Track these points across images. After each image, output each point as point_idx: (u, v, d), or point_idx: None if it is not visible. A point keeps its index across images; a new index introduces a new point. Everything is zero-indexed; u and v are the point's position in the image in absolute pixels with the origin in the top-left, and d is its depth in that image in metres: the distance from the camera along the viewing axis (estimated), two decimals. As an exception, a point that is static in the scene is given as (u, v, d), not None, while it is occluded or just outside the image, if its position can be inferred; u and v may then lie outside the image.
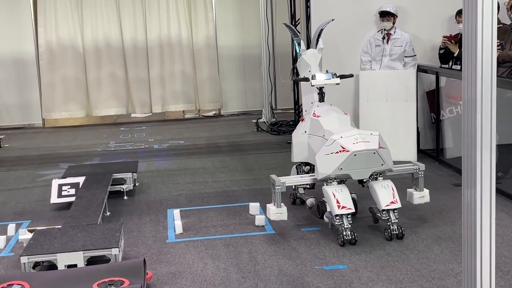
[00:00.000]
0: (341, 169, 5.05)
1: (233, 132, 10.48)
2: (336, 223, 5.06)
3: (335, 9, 7.87)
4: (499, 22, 6.69)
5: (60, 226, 5.05)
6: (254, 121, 10.62)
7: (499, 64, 6.65)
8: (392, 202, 5.10)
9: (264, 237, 5.26)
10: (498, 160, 5.86)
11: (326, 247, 4.96)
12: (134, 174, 6.80)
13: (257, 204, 5.88)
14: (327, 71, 5.89)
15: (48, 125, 11.72)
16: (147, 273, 4.25)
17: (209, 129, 10.89)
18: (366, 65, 7.92)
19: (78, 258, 4.40)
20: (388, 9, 7.70)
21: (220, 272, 4.59)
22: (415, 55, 7.79)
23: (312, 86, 5.79)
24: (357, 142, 5.07)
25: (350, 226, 5.02)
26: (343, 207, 5.01)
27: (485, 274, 3.54)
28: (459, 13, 7.24)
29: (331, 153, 5.08)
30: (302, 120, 5.90)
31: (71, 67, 11.34)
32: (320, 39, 6.09)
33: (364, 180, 5.29)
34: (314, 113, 5.69)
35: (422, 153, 7.85)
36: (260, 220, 5.55)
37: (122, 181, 6.65)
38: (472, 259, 3.56)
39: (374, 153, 5.08)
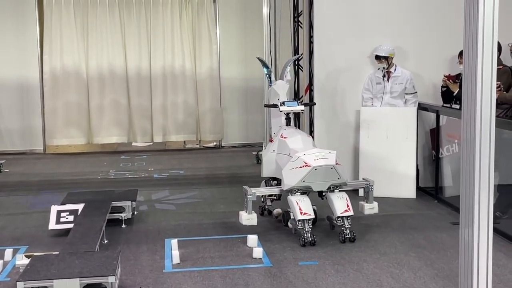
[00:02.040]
0: (303, 181, 5.90)
1: (233, 164, 10.51)
2: (298, 227, 5.86)
3: (338, 45, 7.99)
4: (500, 63, 6.78)
5: (57, 253, 5.06)
6: (255, 153, 10.66)
7: (497, 105, 6.72)
8: (346, 210, 5.97)
9: (261, 270, 5.25)
10: (497, 200, 5.91)
11: (323, 282, 4.96)
12: (133, 202, 6.82)
13: (255, 236, 5.89)
14: (293, 99, 6.87)
15: (49, 152, 11.76)
16: (143, 303, 4.24)
17: (210, 160, 10.94)
18: (367, 102, 7.98)
19: (74, 285, 4.40)
20: (378, 53, 7.75)
21: (216, 303, 4.58)
22: (416, 92, 7.86)
23: (280, 111, 6.67)
24: (317, 159, 5.91)
25: (310, 229, 5.85)
26: (305, 213, 5.86)
27: (481, 314, 3.55)
28: (461, 53, 7.32)
29: (296, 168, 5.94)
30: (271, 141, 6.73)
31: (75, 94, 11.42)
32: (288, 72, 7.00)
33: (323, 193, 6.14)
34: (281, 135, 6.55)
35: (421, 191, 7.87)
36: (257, 252, 5.55)
37: (121, 209, 6.66)
38: (469, 298, 3.57)
39: (332, 168, 5.92)
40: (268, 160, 6.58)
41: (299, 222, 5.86)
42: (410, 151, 7.69)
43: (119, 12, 11.53)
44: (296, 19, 9.25)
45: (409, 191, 7.68)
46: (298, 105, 6.70)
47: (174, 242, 5.72)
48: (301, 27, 9.13)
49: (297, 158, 5.95)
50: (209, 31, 11.85)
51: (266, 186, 6.77)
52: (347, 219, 5.96)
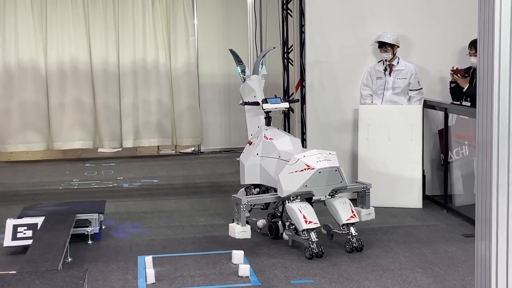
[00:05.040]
0: (305, 186, 5.99)
1: (214, 172, 10.49)
2: (303, 237, 5.94)
3: (332, 35, 8.02)
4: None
5: (15, 272, 5.00)
6: (238, 159, 10.62)
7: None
8: (352, 217, 6.15)
9: (248, 290, 5.25)
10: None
11: (319, 303, 4.96)
12: (101, 215, 6.78)
13: (241, 252, 5.87)
14: (275, 96, 6.99)
15: (2, 159, 11.66)
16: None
17: (187, 167, 10.92)
18: (366, 100, 8.00)
19: (34, 308, 4.35)
20: (384, 40, 7.81)
21: (197, 328, 4.56)
22: (421, 88, 7.90)
23: (263, 110, 6.76)
24: (320, 161, 6.04)
25: (317, 240, 5.90)
26: (310, 222, 5.93)
27: (501, 335, 3.55)
28: (472, 44, 7.37)
29: (295, 171, 6.01)
30: (250, 144, 6.84)
31: (32, 93, 11.29)
32: (263, 66, 7.09)
33: (312, 200, 6.31)
34: (265, 136, 6.67)
35: (428, 200, 7.92)
36: (244, 270, 5.54)
37: (86, 223, 6.62)
38: (486, 318, 3.57)
39: (336, 170, 6.09)
40: (251, 165, 6.67)
41: (304, 232, 5.93)
42: (416, 155, 7.72)
43: (83, -1, 11.48)
44: (285, 7, 9.26)
45: (414, 200, 7.70)
46: (282, 102, 6.83)
47: (149, 259, 5.69)
48: (290, 15, 9.15)
49: (296, 160, 6.04)
50: (185, 20, 11.83)
51: (246, 194, 6.81)
52: (353, 227, 6.11)
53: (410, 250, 6.16)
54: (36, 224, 6.31)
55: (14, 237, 6.21)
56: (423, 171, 7.86)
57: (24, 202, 7.90)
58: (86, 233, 6.56)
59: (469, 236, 6.32)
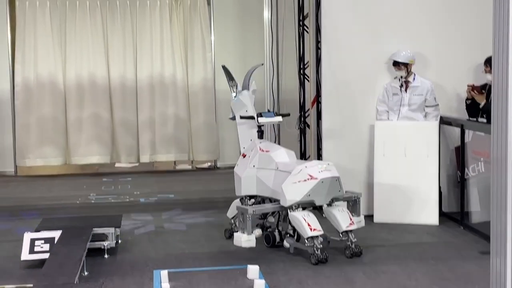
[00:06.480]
0: (309, 195, 6.20)
1: (230, 187, 10.31)
2: (307, 244, 6.17)
3: (348, 51, 8.03)
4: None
5: (31, 285, 5.04)
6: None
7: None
8: (351, 224, 6.39)
9: (263, 306, 5.25)
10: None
11: (334, 319, 4.95)
12: (117, 229, 6.81)
13: (257, 267, 5.86)
14: (268, 110, 7.22)
15: (21, 173, 11.74)
16: None
17: (203, 182, 10.95)
18: (382, 116, 8.00)
19: (51, 322, 4.38)
20: (398, 59, 7.83)
21: None
22: (438, 104, 7.90)
23: (258, 124, 6.98)
24: (321, 171, 6.31)
25: (321, 246, 6.13)
26: (314, 229, 6.15)
27: None
28: (487, 61, 7.36)
29: (299, 181, 6.27)
30: (244, 156, 7.00)
31: (50, 108, 11.37)
32: (253, 82, 7.25)
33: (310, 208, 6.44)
34: (260, 148, 6.86)
35: (445, 217, 7.87)
36: (259, 285, 5.53)
37: (103, 237, 6.64)
38: (502, 336, 3.55)
39: (336, 180, 6.38)
40: (248, 177, 6.85)
41: (308, 240, 6.14)
42: (432, 171, 7.70)
43: (101, 15, 11.57)
44: (301, 23, 9.30)
45: (431, 217, 7.66)
46: (275, 116, 7.11)
47: (164, 274, 5.71)
48: (307, 31, 9.18)
49: (299, 171, 6.31)
50: (202, 37, 11.88)
51: (242, 205, 6.92)
52: (351, 233, 6.37)
53: (426, 266, 6.13)
54: (53, 238, 6.34)
55: (32, 251, 6.23)
56: (440, 187, 7.82)
57: (41, 216, 7.96)
58: (102, 247, 6.57)
59: (486, 253, 6.23)
